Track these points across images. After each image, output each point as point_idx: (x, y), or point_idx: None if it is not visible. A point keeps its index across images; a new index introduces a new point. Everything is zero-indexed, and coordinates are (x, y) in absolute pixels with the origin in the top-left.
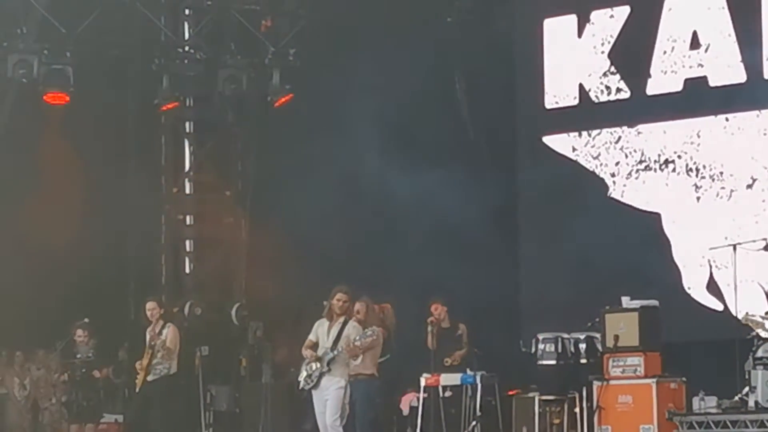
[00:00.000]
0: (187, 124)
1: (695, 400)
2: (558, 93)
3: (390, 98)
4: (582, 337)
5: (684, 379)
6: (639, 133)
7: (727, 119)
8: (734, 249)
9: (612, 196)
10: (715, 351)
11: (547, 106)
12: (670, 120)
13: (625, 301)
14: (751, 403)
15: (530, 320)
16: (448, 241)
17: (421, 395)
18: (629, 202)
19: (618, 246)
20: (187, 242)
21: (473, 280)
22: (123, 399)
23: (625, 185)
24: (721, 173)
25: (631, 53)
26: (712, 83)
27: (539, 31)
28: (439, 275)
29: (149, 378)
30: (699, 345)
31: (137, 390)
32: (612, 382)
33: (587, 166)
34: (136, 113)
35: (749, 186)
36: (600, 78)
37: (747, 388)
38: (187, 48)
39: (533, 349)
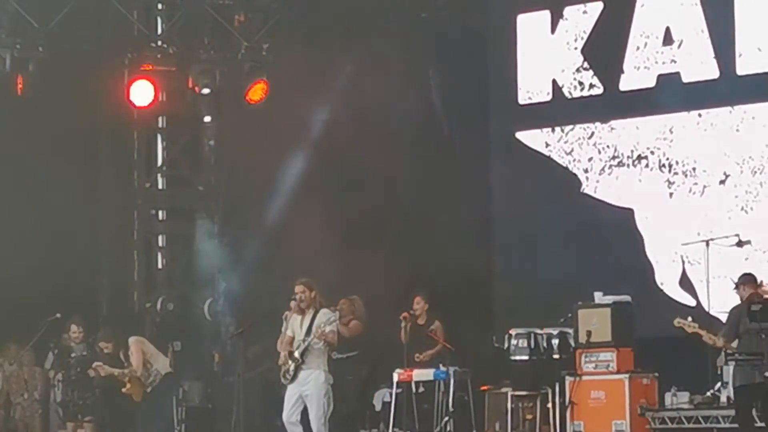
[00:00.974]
0: (159, 119)
1: (667, 396)
2: (531, 89)
3: (364, 93)
4: (555, 332)
5: (656, 374)
6: (612, 128)
7: (700, 115)
8: (707, 245)
9: (585, 191)
10: (688, 347)
11: (521, 101)
12: (643, 116)
13: (598, 296)
14: (723, 399)
15: (503, 316)
16: (422, 236)
17: (394, 391)
18: (602, 197)
19: (591, 241)
20: (160, 237)
21: (446, 276)
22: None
23: (598, 181)
24: (694, 169)
25: (604, 49)
26: (685, 79)
27: (513, 27)
28: (414, 271)
29: (148, 390)
30: (671, 341)
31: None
32: (584, 377)
33: (560, 161)
34: (108, 108)
35: (722, 182)
36: (573, 74)
37: (719, 384)
38: (160, 42)
39: (506, 345)
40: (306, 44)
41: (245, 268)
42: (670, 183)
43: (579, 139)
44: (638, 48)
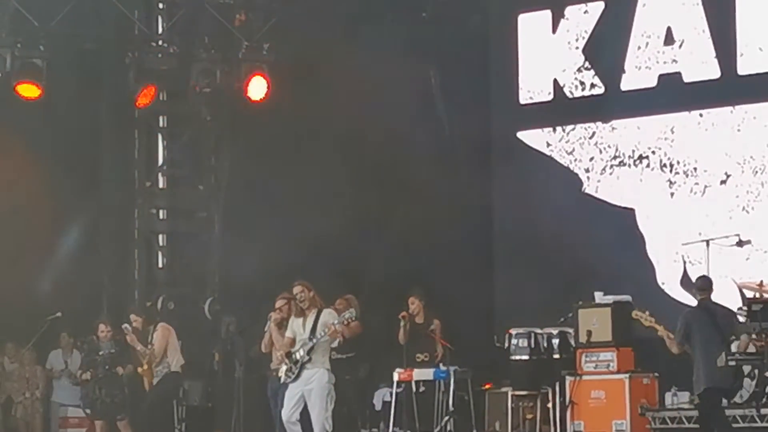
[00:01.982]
0: (160, 118)
1: (668, 396)
2: (532, 88)
3: (364, 93)
4: (555, 332)
5: (656, 374)
6: (613, 128)
7: (701, 115)
8: (707, 245)
9: (586, 191)
10: None
11: (522, 101)
12: (645, 116)
13: (598, 296)
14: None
15: (503, 315)
16: (422, 236)
17: (395, 390)
18: (603, 197)
19: (592, 241)
20: (160, 236)
21: (447, 276)
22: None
23: (599, 181)
24: (695, 169)
25: (606, 49)
26: (686, 79)
27: (513, 27)
28: (414, 270)
29: (154, 381)
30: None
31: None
32: (585, 377)
33: (561, 161)
34: (109, 107)
35: (723, 182)
36: (574, 73)
37: None
38: (160, 42)
39: (506, 345)
40: (306, 44)
41: (246, 267)
42: (671, 183)
43: (580, 138)
44: (639, 48)
